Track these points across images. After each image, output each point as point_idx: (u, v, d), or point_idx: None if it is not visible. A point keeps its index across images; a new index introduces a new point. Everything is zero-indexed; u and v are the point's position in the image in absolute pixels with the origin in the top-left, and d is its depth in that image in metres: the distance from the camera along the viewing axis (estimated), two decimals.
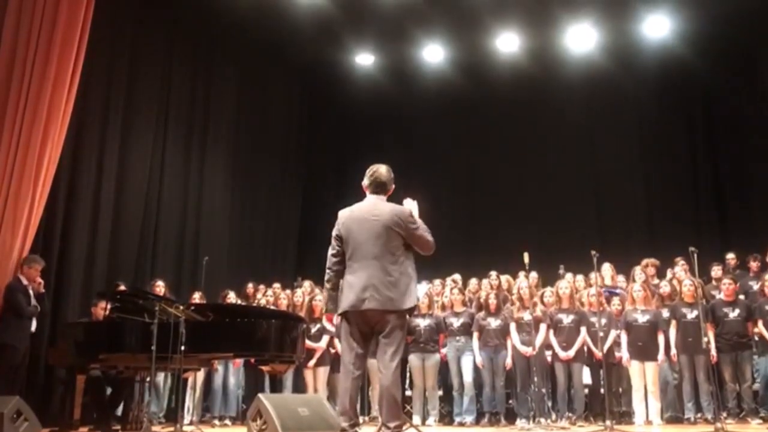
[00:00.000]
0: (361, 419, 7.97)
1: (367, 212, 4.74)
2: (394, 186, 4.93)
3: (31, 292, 7.66)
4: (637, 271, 8.86)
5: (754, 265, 9.38)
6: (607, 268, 9.25)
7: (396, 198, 4.93)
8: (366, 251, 4.64)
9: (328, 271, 4.83)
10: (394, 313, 4.55)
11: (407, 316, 4.80)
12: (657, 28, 11.82)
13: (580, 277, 9.37)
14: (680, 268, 9.09)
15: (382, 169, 4.89)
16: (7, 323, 7.43)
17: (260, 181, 12.96)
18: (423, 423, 8.34)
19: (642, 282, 8.47)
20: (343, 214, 4.84)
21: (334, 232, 4.84)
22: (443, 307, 9.05)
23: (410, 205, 4.88)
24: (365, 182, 4.90)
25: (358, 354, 4.64)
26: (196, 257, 10.76)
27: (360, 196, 4.92)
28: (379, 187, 4.85)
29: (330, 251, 4.84)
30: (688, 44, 11.87)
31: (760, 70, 11.66)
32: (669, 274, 9.09)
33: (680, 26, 11.72)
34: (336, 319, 5.16)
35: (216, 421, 8.73)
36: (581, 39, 12.10)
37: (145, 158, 10.60)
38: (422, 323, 8.52)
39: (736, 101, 12.35)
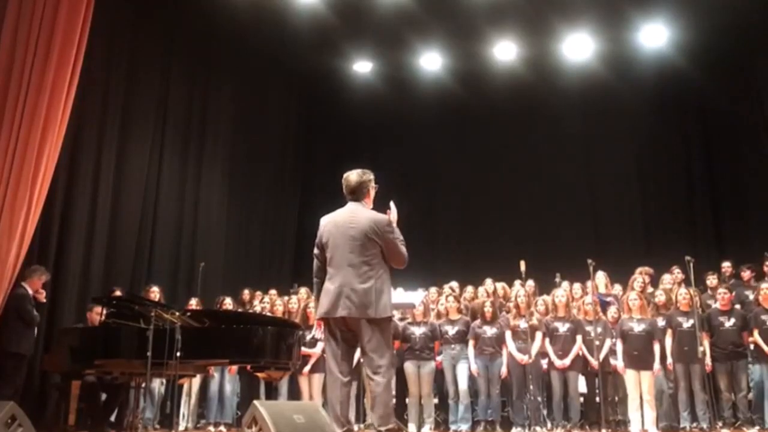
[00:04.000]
0: (357, 427, 7.97)
1: (344, 219, 4.73)
2: (371, 189, 4.87)
3: (33, 300, 7.69)
4: (638, 280, 8.86)
5: (746, 274, 9.40)
6: (601, 276, 9.25)
7: (383, 202, 4.88)
8: (342, 258, 4.64)
9: (315, 279, 4.85)
10: (370, 321, 4.53)
11: (391, 323, 4.74)
12: (654, 37, 11.86)
13: (576, 286, 9.38)
14: (670, 277, 9.12)
15: (351, 175, 4.85)
16: (16, 332, 7.41)
17: (257, 187, 12.96)
18: (418, 431, 8.34)
19: (638, 291, 8.48)
20: (324, 220, 4.84)
21: (316, 240, 4.84)
22: (439, 315, 9.05)
23: (393, 210, 4.80)
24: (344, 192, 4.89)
25: (342, 360, 4.63)
26: (193, 263, 10.77)
27: None
28: (351, 193, 4.82)
29: (314, 261, 4.86)
30: (684, 54, 11.92)
31: (757, 80, 11.69)
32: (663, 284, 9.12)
33: (677, 36, 11.77)
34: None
35: (211, 428, 8.70)
36: (578, 48, 12.15)
37: (142, 165, 10.60)
38: (417, 331, 8.52)
39: (733, 111, 12.38)
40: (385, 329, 4.63)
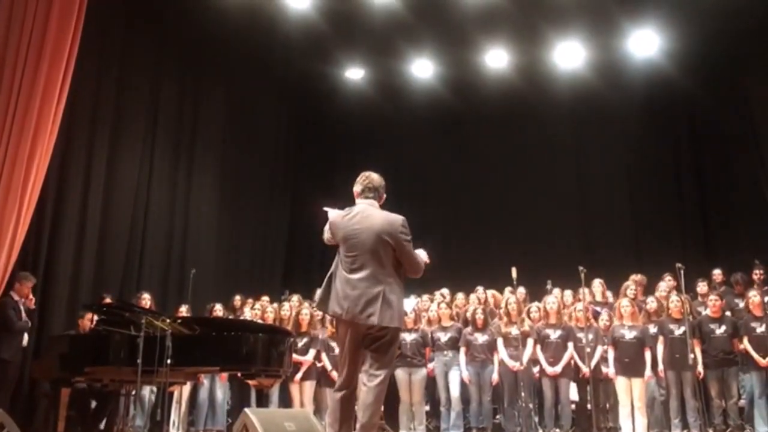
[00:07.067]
0: None
1: (358, 218, 4.50)
2: (385, 195, 4.73)
3: (22, 307, 7.66)
4: (630, 287, 8.88)
5: (737, 281, 9.43)
6: (597, 284, 9.26)
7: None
8: (354, 259, 4.40)
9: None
10: (382, 329, 4.30)
11: (399, 333, 4.58)
12: (644, 45, 11.89)
13: (567, 293, 9.39)
14: (665, 284, 9.14)
15: (374, 175, 4.71)
16: None
17: (248, 194, 12.93)
18: None
19: (630, 298, 8.50)
20: (334, 219, 4.60)
21: (325, 235, 4.64)
22: (430, 322, 9.04)
23: (423, 254, 4.64)
24: (357, 188, 4.67)
25: (350, 369, 4.40)
26: (184, 270, 10.73)
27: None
28: (371, 191, 4.63)
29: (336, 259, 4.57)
30: (674, 62, 11.95)
31: (746, 89, 11.73)
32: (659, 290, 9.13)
33: (667, 44, 11.80)
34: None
35: None
36: (569, 56, 12.17)
37: (133, 171, 10.55)
38: (408, 338, 8.50)
39: (722, 119, 12.42)
40: (393, 341, 4.43)
